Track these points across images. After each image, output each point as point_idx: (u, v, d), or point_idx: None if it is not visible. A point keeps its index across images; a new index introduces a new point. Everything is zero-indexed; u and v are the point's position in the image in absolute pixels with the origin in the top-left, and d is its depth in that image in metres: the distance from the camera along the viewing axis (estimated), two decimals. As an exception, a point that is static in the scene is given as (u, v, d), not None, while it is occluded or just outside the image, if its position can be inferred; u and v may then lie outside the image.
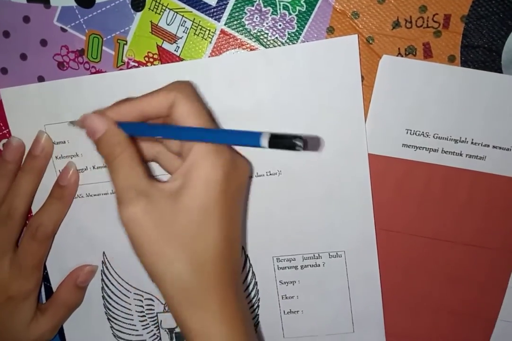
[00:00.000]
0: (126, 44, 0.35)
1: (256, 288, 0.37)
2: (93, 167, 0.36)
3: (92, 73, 0.35)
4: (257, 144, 0.26)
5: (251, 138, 0.26)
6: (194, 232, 0.27)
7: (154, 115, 0.30)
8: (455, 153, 0.34)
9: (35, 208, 0.36)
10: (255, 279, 0.37)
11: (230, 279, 0.28)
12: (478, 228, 0.35)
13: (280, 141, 0.25)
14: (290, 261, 0.37)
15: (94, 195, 0.37)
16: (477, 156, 0.34)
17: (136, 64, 0.35)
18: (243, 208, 0.31)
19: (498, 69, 0.33)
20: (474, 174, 0.34)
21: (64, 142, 0.36)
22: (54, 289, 0.38)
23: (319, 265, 0.36)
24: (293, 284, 0.37)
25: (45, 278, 0.38)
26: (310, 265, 0.36)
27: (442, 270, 0.36)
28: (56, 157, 0.36)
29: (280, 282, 0.37)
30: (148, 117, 0.30)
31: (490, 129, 0.34)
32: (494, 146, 0.34)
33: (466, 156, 0.34)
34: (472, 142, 0.34)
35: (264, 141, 0.25)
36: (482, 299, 0.36)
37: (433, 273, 0.36)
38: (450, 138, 0.34)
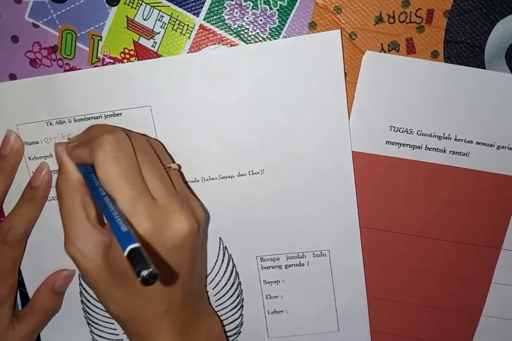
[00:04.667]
0: (101, 40, 0.34)
1: (240, 288, 0.37)
2: (69, 168, 0.35)
3: (66, 70, 0.34)
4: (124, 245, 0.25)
5: (124, 238, 0.26)
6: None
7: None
8: (438, 150, 0.34)
9: (7, 211, 0.35)
10: (238, 279, 0.37)
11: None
12: (462, 224, 0.35)
13: (136, 259, 0.25)
14: (274, 260, 0.36)
15: (70, 197, 0.35)
16: (460, 152, 0.34)
17: (112, 61, 0.34)
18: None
19: (481, 65, 0.33)
20: (458, 170, 0.34)
21: (37, 142, 0.35)
22: (30, 295, 0.37)
23: (304, 264, 0.36)
24: (277, 284, 0.37)
25: (21, 284, 0.37)
26: (294, 265, 0.36)
27: (426, 266, 0.36)
28: (29, 158, 0.35)
29: (264, 281, 0.37)
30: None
31: (474, 126, 0.34)
32: (477, 143, 0.34)
33: (449, 152, 0.34)
34: (455, 139, 0.34)
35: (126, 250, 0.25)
36: (466, 295, 0.36)
37: (417, 269, 0.36)
38: (433, 135, 0.34)
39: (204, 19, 0.33)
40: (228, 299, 0.37)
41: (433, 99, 0.33)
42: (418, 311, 0.37)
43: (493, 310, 0.36)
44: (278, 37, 0.33)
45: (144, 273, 0.24)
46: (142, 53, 0.34)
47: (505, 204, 0.35)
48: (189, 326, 0.32)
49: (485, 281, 0.36)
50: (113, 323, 0.37)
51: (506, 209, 0.35)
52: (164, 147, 0.34)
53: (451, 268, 0.36)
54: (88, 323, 0.38)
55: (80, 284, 0.37)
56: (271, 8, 0.33)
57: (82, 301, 0.37)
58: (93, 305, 0.37)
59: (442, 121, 0.34)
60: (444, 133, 0.34)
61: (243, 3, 0.33)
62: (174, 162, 0.33)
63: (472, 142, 0.34)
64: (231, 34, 0.33)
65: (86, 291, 0.37)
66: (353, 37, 0.33)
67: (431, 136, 0.34)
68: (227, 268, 0.36)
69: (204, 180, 0.35)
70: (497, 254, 0.35)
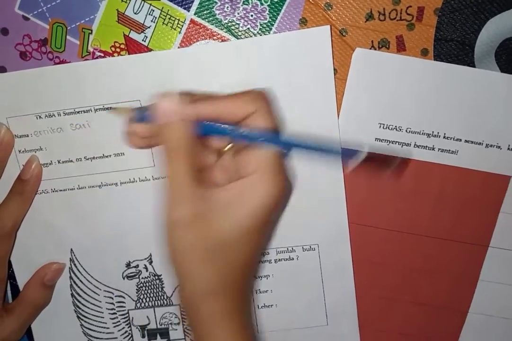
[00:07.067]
0: (91, 33, 0.34)
1: (230, 282, 0.37)
2: (58, 162, 0.35)
3: (56, 63, 0.34)
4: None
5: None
6: (228, 249, 0.28)
7: (227, 119, 0.29)
8: (427, 148, 0.34)
9: (-3, 204, 0.35)
10: (228, 273, 0.37)
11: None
12: (450, 222, 0.35)
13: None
14: (263, 255, 0.36)
15: (60, 190, 0.35)
16: (449, 150, 0.34)
17: (102, 54, 0.34)
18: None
19: (471, 63, 0.33)
20: (446, 168, 0.35)
21: (27, 135, 0.35)
22: (21, 287, 0.37)
23: (293, 258, 0.36)
24: (267, 278, 0.37)
25: (11, 277, 0.37)
26: (284, 259, 0.36)
27: (414, 263, 0.36)
28: (19, 151, 0.35)
29: (254, 276, 0.37)
30: (219, 120, 0.29)
31: (463, 124, 0.34)
32: (466, 141, 0.34)
33: (438, 150, 0.34)
34: (444, 137, 0.34)
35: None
36: (454, 292, 0.37)
37: (405, 266, 0.36)
38: (422, 133, 0.34)
39: (195, 14, 0.33)
40: (218, 293, 0.37)
41: (422, 97, 0.33)
42: (406, 308, 0.37)
43: (480, 307, 0.37)
44: (269, 32, 0.33)
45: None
46: (132, 47, 0.34)
47: (493, 202, 0.35)
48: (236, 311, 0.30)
49: (472, 278, 0.36)
50: (103, 317, 0.38)
51: (494, 207, 0.35)
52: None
53: (439, 265, 0.36)
54: (78, 317, 0.38)
55: (70, 277, 0.37)
56: (262, 4, 0.33)
57: (72, 295, 0.37)
58: (83, 298, 0.37)
59: (431, 119, 0.34)
60: (433, 131, 0.34)
61: (234, -2, 0.33)
62: None
63: (461, 140, 0.34)
64: (222, 29, 0.33)
65: (77, 285, 0.37)
66: (344, 34, 0.33)
67: (420, 134, 0.34)
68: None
69: (194, 175, 0.35)
70: (484, 251, 0.36)
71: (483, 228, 0.35)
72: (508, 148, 0.34)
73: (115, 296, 0.37)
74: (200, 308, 0.28)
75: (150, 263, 0.36)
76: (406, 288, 0.36)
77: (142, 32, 0.33)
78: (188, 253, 0.28)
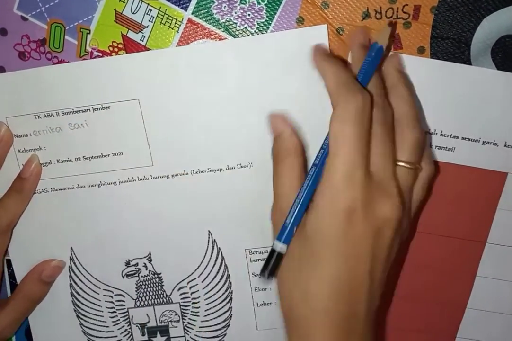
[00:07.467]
0: (89, 33, 0.34)
1: (229, 281, 0.37)
2: (58, 161, 0.35)
3: (54, 63, 0.34)
4: None
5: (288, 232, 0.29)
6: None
7: None
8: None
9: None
10: (227, 272, 0.37)
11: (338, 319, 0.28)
12: (447, 218, 0.36)
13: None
14: (262, 253, 0.36)
15: (59, 189, 0.36)
16: (446, 147, 0.34)
17: (100, 54, 0.34)
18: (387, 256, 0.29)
19: (467, 61, 0.33)
20: (443, 165, 0.35)
21: (27, 135, 0.35)
22: (20, 286, 0.37)
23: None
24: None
25: (11, 276, 0.37)
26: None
27: (412, 259, 0.36)
28: (19, 150, 0.35)
29: (253, 274, 0.37)
30: None
31: (459, 121, 0.34)
32: (463, 138, 0.34)
33: (435, 147, 0.34)
34: (441, 134, 0.34)
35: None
36: (452, 288, 0.37)
37: (403, 262, 0.36)
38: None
39: (192, 13, 0.33)
40: (217, 292, 0.37)
41: (419, 95, 0.33)
42: (404, 304, 0.37)
43: (478, 303, 0.37)
44: (266, 31, 0.33)
45: (264, 275, 0.29)
46: (130, 46, 0.34)
47: (490, 198, 0.35)
48: (350, 336, 0.28)
49: (470, 274, 0.36)
50: (103, 316, 0.38)
51: (490, 203, 0.35)
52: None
53: (437, 261, 0.36)
54: (78, 316, 0.38)
55: (70, 276, 0.37)
56: (259, 3, 0.33)
57: (71, 294, 0.37)
58: (83, 298, 0.37)
59: (428, 117, 0.34)
60: (430, 129, 0.34)
61: (232, -2, 0.33)
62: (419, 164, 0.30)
63: (457, 137, 0.34)
64: (219, 28, 0.33)
65: (76, 284, 0.37)
66: (341, 32, 0.33)
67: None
68: (216, 261, 0.37)
69: (193, 173, 0.35)
70: (482, 247, 0.36)
71: (481, 224, 0.36)
72: (505, 145, 0.34)
73: (115, 295, 0.37)
74: None
75: (150, 261, 0.37)
76: (403, 284, 0.37)
77: (140, 31, 0.34)
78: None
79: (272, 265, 0.29)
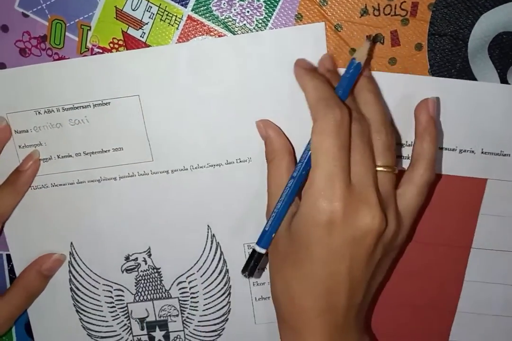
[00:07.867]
0: (90, 30, 0.34)
1: (228, 275, 0.37)
2: (58, 157, 0.35)
3: (55, 59, 0.34)
4: None
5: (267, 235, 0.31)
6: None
7: None
8: (403, 157, 0.35)
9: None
10: (226, 266, 0.37)
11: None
12: (433, 226, 0.36)
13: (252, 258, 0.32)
14: (261, 248, 0.37)
15: (59, 185, 0.36)
16: None
17: (101, 51, 0.34)
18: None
19: (465, 58, 0.33)
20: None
21: (27, 131, 0.35)
22: (20, 281, 0.37)
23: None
24: (264, 270, 0.37)
25: (12, 271, 0.37)
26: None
27: (400, 267, 0.36)
28: (19, 146, 0.35)
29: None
30: None
31: (444, 132, 0.34)
32: (440, 148, 0.34)
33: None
34: None
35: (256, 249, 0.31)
36: (441, 293, 0.37)
37: (393, 270, 0.36)
38: (403, 143, 0.35)
39: (192, 10, 0.33)
40: (216, 286, 0.37)
41: (395, 108, 0.34)
42: (395, 310, 0.37)
43: (467, 306, 0.37)
44: (265, 28, 0.33)
45: (245, 274, 0.31)
46: (130, 43, 0.34)
47: (472, 204, 0.35)
48: (342, 337, 0.30)
49: (458, 279, 0.37)
50: (102, 311, 0.38)
51: (473, 209, 0.35)
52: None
53: (426, 268, 0.36)
54: (77, 311, 0.38)
55: (70, 271, 0.37)
56: (258, 0, 0.33)
57: (71, 289, 0.38)
58: (82, 293, 0.38)
59: (405, 129, 0.34)
60: (407, 141, 0.34)
61: (231, -5, 0.33)
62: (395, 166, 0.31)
63: (442, 149, 0.34)
64: (218, 25, 0.34)
65: (76, 279, 0.37)
66: (339, 29, 0.33)
67: (399, 144, 0.34)
68: (214, 255, 0.37)
69: (193, 168, 0.35)
70: (467, 252, 0.36)
71: (465, 230, 0.36)
72: (482, 152, 0.34)
73: (114, 290, 0.38)
74: None
75: (149, 256, 0.37)
76: (394, 291, 0.37)
77: (140, 28, 0.34)
78: (278, 246, 0.31)
79: (252, 265, 0.31)
